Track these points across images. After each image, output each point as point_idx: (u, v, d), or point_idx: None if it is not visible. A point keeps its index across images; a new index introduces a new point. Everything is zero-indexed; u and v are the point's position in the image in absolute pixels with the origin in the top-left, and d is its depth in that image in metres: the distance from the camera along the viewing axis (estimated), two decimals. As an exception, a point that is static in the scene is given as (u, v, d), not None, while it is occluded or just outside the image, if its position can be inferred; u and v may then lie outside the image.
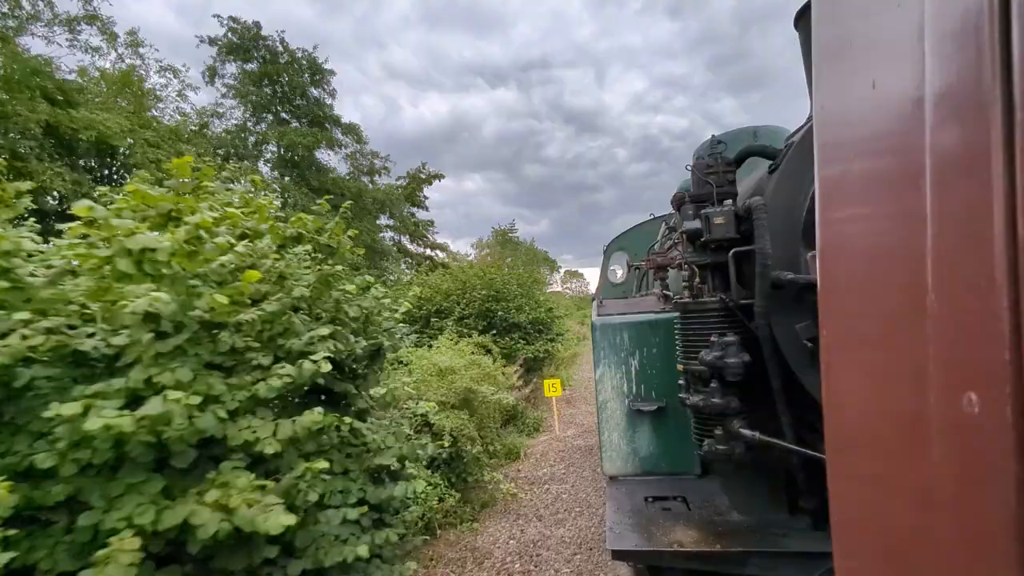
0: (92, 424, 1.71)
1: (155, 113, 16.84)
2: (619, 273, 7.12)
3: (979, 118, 0.58)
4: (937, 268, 0.65)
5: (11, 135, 10.15)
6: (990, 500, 0.57)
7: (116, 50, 16.06)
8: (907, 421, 0.71)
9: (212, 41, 20.77)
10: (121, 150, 13.23)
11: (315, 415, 2.27)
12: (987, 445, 0.57)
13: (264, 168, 21.43)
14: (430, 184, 26.90)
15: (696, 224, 2.39)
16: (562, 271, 74.53)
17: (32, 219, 2.65)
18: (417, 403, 5.11)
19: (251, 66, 21.37)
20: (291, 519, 1.90)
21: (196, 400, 1.95)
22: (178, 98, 18.49)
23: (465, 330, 11.09)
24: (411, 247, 27.13)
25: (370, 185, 23.75)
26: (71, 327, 2.09)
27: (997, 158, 0.55)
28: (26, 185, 2.40)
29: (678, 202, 2.55)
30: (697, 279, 2.53)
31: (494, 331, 11.42)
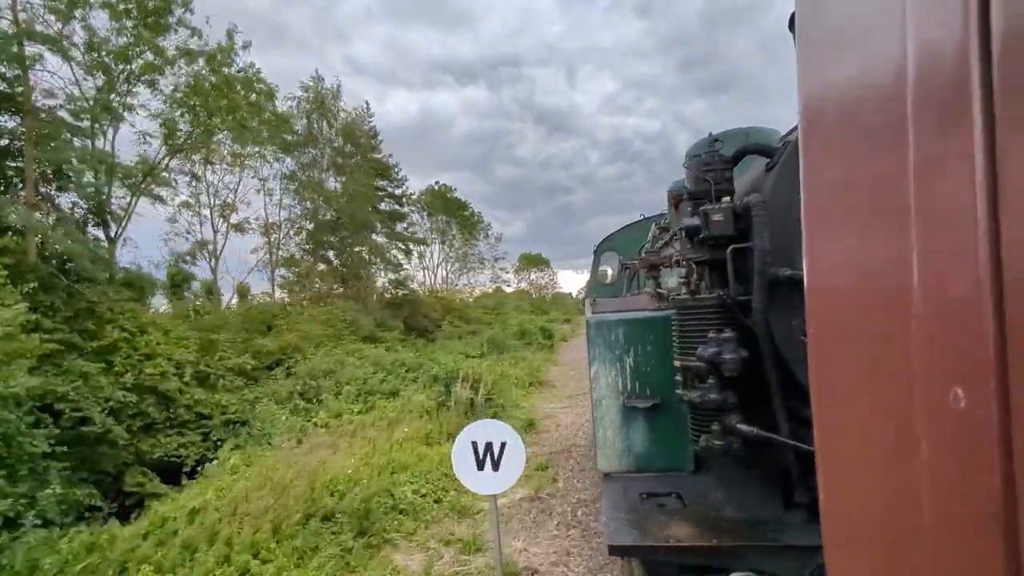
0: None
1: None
2: (609, 273, 7.15)
3: (960, 115, 0.58)
4: (922, 265, 0.65)
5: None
6: (977, 493, 0.58)
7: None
8: (895, 416, 0.71)
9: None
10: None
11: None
12: (974, 439, 0.58)
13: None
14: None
15: (695, 221, 2.40)
16: (507, 256, 51.21)
17: None
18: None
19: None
20: None
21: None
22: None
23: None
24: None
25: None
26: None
27: (979, 155, 0.56)
28: None
29: (676, 199, 2.56)
30: (695, 276, 2.55)
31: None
